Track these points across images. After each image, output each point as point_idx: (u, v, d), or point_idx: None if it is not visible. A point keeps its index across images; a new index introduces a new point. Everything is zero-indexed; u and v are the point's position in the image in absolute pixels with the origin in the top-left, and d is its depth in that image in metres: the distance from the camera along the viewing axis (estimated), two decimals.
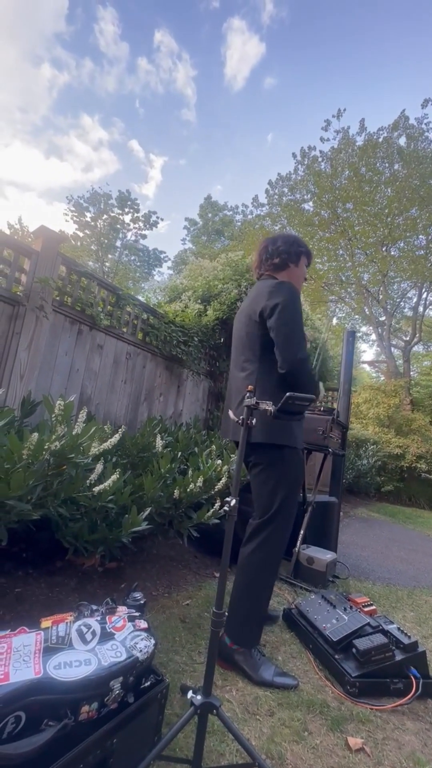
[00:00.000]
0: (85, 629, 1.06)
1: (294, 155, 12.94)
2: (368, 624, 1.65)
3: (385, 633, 1.60)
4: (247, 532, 1.60)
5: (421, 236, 12.03)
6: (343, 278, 13.65)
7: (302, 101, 33.07)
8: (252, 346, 1.59)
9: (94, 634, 1.06)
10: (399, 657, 1.52)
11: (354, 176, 11.71)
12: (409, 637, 1.58)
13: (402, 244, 12.47)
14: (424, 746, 1.25)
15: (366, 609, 1.80)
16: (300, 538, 2.61)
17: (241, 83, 34.01)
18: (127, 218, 20.33)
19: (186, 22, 32.14)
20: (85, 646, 1.02)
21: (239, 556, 1.58)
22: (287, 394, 1.13)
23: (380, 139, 11.58)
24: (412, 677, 1.48)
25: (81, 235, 19.90)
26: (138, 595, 1.31)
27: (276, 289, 1.54)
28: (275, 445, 1.52)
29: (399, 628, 1.64)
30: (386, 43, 25.89)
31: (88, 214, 19.82)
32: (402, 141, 11.52)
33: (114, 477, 1.56)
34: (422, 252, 11.98)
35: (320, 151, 12.51)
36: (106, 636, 1.06)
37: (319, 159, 12.50)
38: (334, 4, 25.24)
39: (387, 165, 11.66)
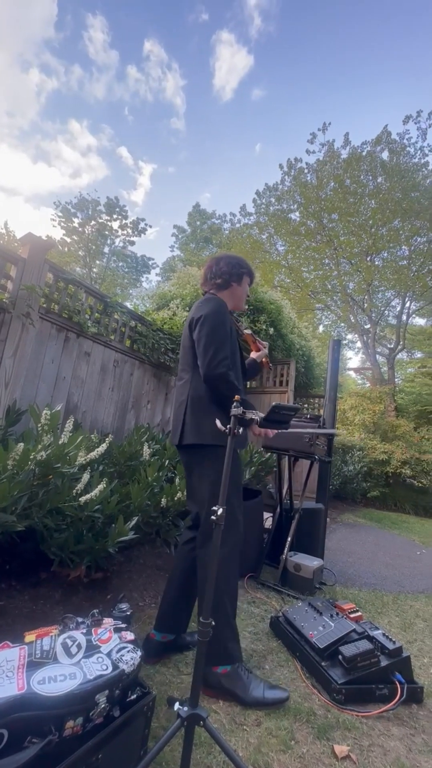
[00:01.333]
0: (70, 642, 1.05)
1: (281, 166, 13.20)
2: (354, 630, 1.66)
3: (371, 639, 1.62)
4: (197, 541, 1.57)
5: (403, 247, 12.37)
6: (329, 287, 13.90)
7: (289, 113, 33.80)
8: (186, 356, 1.68)
9: (79, 647, 1.04)
10: (384, 662, 1.54)
11: (339, 188, 12.00)
12: (394, 642, 1.61)
13: (386, 255, 12.80)
14: (408, 751, 1.27)
15: (352, 615, 1.82)
16: (287, 545, 2.62)
17: (229, 94, 34.60)
18: (116, 225, 20.28)
19: (175, 32, 32.57)
20: (70, 660, 1.01)
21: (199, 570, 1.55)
22: (273, 404, 1.15)
23: (364, 153, 11.91)
24: (396, 682, 1.50)
25: (68, 240, 19.77)
26: (124, 606, 1.30)
27: (202, 304, 1.67)
28: (209, 446, 1.53)
29: (384, 634, 1.66)
30: (371, 59, 26.78)
31: (76, 220, 19.71)
32: (385, 155, 11.88)
33: (101, 486, 1.54)
34: (405, 262, 12.31)
35: (306, 163, 12.80)
36: (91, 649, 1.05)
37: (305, 171, 12.77)
38: (320, 21, 26.00)
39: (371, 178, 11.98)
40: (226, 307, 1.69)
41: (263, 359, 2.09)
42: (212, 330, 1.56)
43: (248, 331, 2.01)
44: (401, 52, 25.47)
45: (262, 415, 1.19)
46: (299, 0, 26.52)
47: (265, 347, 2.10)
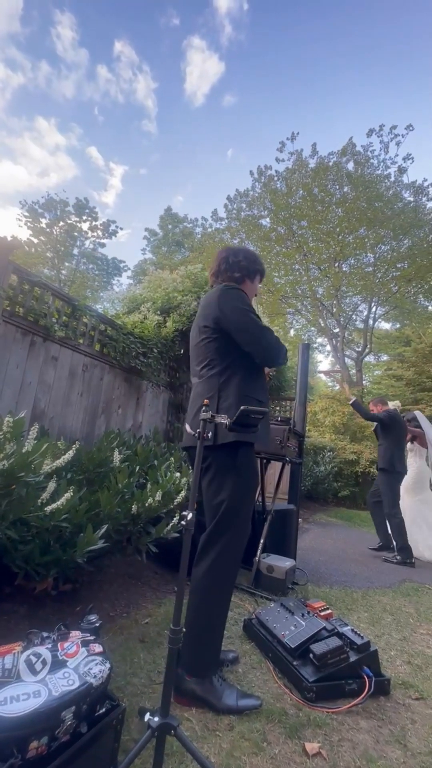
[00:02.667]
0: (34, 659, 1.01)
1: (251, 173, 13.43)
2: (324, 628, 1.69)
3: (340, 635, 1.66)
4: (198, 549, 1.50)
5: (369, 254, 12.89)
6: (299, 291, 14.25)
7: (260, 120, 34.58)
8: (209, 352, 1.61)
9: (44, 663, 1.00)
10: (353, 658, 1.58)
11: (307, 196, 12.35)
12: (362, 637, 1.65)
13: (352, 261, 13.28)
14: (376, 743, 1.31)
15: (323, 613, 1.85)
16: (260, 547, 2.65)
17: (201, 99, 34.91)
18: (85, 226, 19.91)
19: (146, 35, 32.53)
20: (34, 677, 0.97)
21: (192, 578, 1.49)
22: (241, 408, 1.16)
23: (330, 163, 12.35)
24: (365, 677, 1.54)
25: (35, 241, 19.20)
26: (93, 617, 1.26)
27: (225, 294, 1.60)
28: (226, 445, 1.45)
29: (353, 630, 1.70)
30: (338, 72, 27.96)
31: (44, 221, 19.19)
32: (350, 166, 12.36)
33: (68, 495, 1.50)
34: (371, 269, 12.82)
35: (276, 171, 13.10)
36: (57, 664, 1.02)
37: (275, 178, 13.07)
38: (289, 32, 26.85)
39: (337, 187, 12.42)
40: (245, 293, 1.65)
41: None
42: (243, 313, 1.56)
43: None
44: (369, 63, 26.70)
45: (230, 420, 1.20)
46: (269, 10, 27.30)
47: None
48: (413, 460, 4.58)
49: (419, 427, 4.65)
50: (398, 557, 3.91)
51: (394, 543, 4.04)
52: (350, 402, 4.43)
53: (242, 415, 1.18)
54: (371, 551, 4.34)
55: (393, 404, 4.52)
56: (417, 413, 4.81)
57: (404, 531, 3.96)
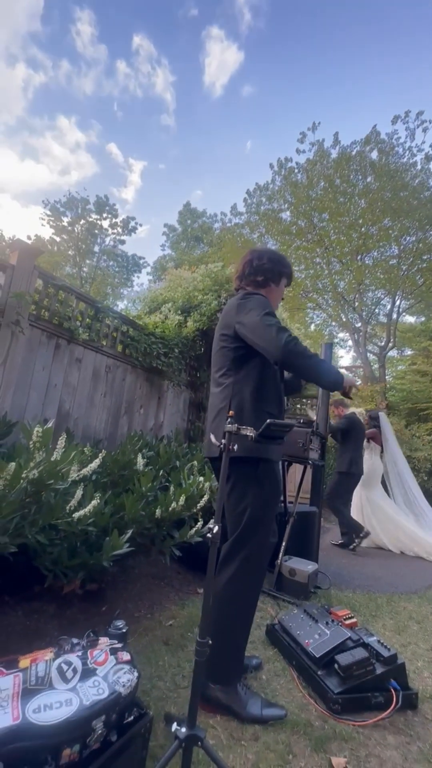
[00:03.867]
0: (65, 666, 1.03)
1: (271, 165, 13.19)
2: (349, 638, 1.67)
3: (366, 646, 1.63)
4: (221, 557, 1.48)
5: (393, 246, 12.47)
6: (320, 286, 13.96)
7: (280, 110, 33.77)
8: (225, 360, 1.59)
9: (75, 671, 1.03)
10: (379, 670, 1.55)
11: (329, 187, 12.03)
12: (389, 649, 1.62)
13: (375, 254, 12.89)
14: (404, 760, 1.28)
15: (347, 622, 1.83)
16: (282, 550, 2.63)
17: (219, 91, 34.39)
18: (106, 223, 20.12)
19: (165, 28, 32.25)
20: (65, 685, 0.99)
21: (215, 585, 1.45)
22: (267, 421, 1.15)
23: (353, 153, 11.96)
24: (392, 690, 1.51)
25: (58, 240, 19.56)
26: (120, 623, 1.29)
27: (244, 302, 1.56)
28: (249, 459, 1.43)
29: (379, 641, 1.67)
30: (361, 58, 26.92)
31: (65, 219, 19.51)
32: (374, 155, 11.94)
33: (94, 502, 1.53)
34: (395, 261, 12.41)
35: (296, 163, 12.80)
36: (87, 673, 1.04)
37: (296, 170, 12.78)
38: (310, 18, 26.03)
39: (360, 177, 12.04)
40: (267, 301, 1.58)
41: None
42: (260, 314, 1.46)
43: None
44: (392, 50, 25.67)
45: (256, 432, 1.18)
46: None
47: None
48: (368, 456, 4.86)
49: (378, 426, 4.98)
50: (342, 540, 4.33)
51: (345, 529, 4.37)
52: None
53: (267, 428, 1.16)
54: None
55: (358, 411, 4.80)
56: (381, 414, 5.18)
57: (351, 522, 4.32)
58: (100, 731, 0.96)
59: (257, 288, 1.69)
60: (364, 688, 1.51)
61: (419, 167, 11.75)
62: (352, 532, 4.24)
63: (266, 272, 1.68)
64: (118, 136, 38.65)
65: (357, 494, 4.75)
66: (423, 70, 25.61)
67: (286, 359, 1.40)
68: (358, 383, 1.78)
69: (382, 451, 4.97)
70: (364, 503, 4.80)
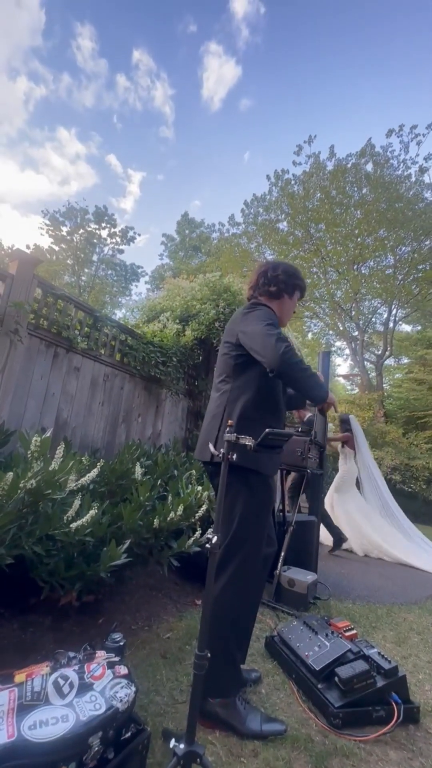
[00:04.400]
0: (62, 681, 1.02)
1: (268, 177, 13.42)
2: (350, 650, 1.65)
3: (366, 659, 1.61)
4: (216, 564, 1.46)
5: (389, 256, 12.64)
6: (317, 295, 14.08)
7: (277, 123, 34.55)
8: (226, 367, 1.62)
9: (71, 686, 1.01)
10: (380, 683, 1.53)
11: (325, 199, 12.24)
12: (390, 661, 1.60)
13: (372, 264, 13.05)
14: None
15: (347, 634, 1.81)
16: (281, 560, 2.61)
17: (218, 104, 35.15)
18: (104, 233, 20.30)
19: (164, 42, 33.07)
20: (62, 701, 0.98)
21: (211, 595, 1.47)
22: (266, 430, 1.15)
23: (349, 165, 12.20)
24: (393, 703, 1.49)
25: (57, 249, 19.70)
26: (117, 636, 1.27)
27: (249, 312, 1.58)
28: (241, 467, 1.40)
29: (379, 653, 1.65)
30: (356, 74, 27.70)
31: (64, 229, 19.67)
32: (369, 167, 12.18)
33: (92, 512, 1.52)
34: (391, 271, 12.57)
35: (293, 174, 13.04)
36: (84, 687, 1.02)
37: (292, 182, 13.00)
38: (306, 34, 26.79)
39: (356, 189, 12.26)
40: (272, 313, 1.61)
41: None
42: (261, 323, 1.48)
43: None
44: (387, 65, 26.36)
45: (255, 441, 1.19)
46: (286, 13, 27.32)
47: None
48: (343, 461, 4.96)
49: (349, 430, 4.97)
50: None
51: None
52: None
53: (266, 437, 1.16)
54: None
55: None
56: (351, 417, 5.15)
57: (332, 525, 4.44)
58: (96, 748, 0.94)
59: (270, 298, 1.70)
60: (365, 701, 1.49)
61: (413, 179, 11.98)
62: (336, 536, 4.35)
63: (280, 283, 1.70)
64: (118, 147, 39.28)
65: (328, 497, 4.85)
66: (418, 85, 26.29)
67: (281, 368, 1.41)
68: (335, 404, 1.76)
69: (355, 455, 4.97)
70: (335, 505, 4.86)
